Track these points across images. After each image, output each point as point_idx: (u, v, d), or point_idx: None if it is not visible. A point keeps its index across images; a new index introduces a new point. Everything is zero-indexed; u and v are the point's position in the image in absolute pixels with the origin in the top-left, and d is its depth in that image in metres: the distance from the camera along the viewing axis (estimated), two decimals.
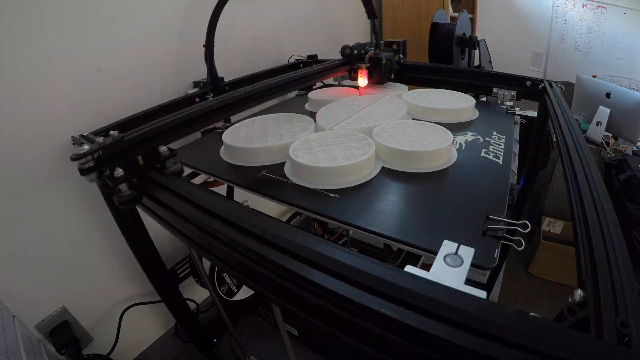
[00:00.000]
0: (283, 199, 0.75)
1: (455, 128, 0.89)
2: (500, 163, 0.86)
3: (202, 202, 0.57)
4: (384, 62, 1.34)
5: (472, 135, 1.01)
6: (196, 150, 1.09)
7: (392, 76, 1.42)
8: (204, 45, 1.21)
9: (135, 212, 0.99)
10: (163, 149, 0.74)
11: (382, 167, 0.85)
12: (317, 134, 0.93)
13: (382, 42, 1.47)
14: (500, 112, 1.23)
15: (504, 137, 1.01)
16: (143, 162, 0.73)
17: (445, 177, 0.81)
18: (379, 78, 1.37)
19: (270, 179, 0.83)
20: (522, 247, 0.54)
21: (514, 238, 0.56)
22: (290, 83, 1.17)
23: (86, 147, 0.65)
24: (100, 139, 0.68)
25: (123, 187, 0.68)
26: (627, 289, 0.35)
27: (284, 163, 0.89)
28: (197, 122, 0.91)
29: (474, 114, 1.16)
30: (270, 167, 0.88)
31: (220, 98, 0.97)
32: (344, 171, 0.78)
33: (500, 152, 0.92)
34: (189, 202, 0.59)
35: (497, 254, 0.53)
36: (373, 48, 1.36)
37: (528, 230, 0.55)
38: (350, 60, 1.38)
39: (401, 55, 1.50)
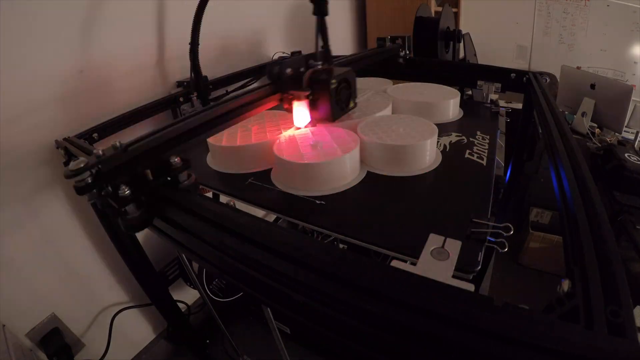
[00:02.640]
0: (269, 207, 0.75)
1: (440, 129, 0.89)
2: (484, 164, 0.87)
3: (222, 220, 0.48)
4: (333, 85, 0.84)
5: (456, 135, 1.01)
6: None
7: (352, 105, 0.96)
8: (189, 44, 1.20)
9: None
10: (175, 159, 0.60)
11: (368, 172, 0.85)
12: (302, 131, 0.92)
13: (385, 37, 1.33)
14: (485, 111, 1.23)
15: (488, 137, 1.01)
16: (153, 176, 0.59)
17: (430, 181, 0.82)
18: (325, 111, 0.88)
19: (257, 186, 0.83)
20: (506, 249, 0.54)
21: (497, 240, 0.56)
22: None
23: (82, 161, 0.51)
24: (98, 151, 0.54)
25: (131, 208, 0.55)
26: (616, 277, 0.35)
27: (270, 170, 0.89)
28: (211, 126, 0.76)
29: (459, 114, 1.17)
30: (257, 174, 0.87)
31: (230, 99, 0.80)
32: (329, 170, 0.77)
33: (484, 152, 0.92)
34: (208, 221, 0.49)
35: (480, 257, 0.53)
36: (319, 62, 0.90)
37: (511, 233, 0.55)
38: (279, 86, 0.86)
39: (407, 51, 1.41)
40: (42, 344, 1.11)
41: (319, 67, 0.88)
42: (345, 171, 0.80)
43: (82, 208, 1.12)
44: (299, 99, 0.86)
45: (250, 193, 0.80)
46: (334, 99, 0.86)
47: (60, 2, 0.98)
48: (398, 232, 0.64)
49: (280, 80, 0.84)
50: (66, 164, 0.93)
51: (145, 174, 0.58)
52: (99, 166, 0.52)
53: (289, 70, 0.84)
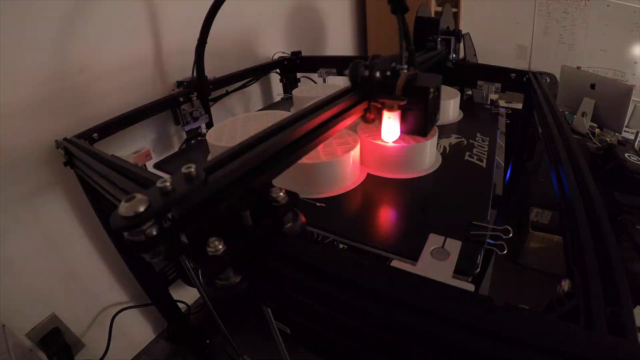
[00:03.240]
0: None
1: (440, 131, 0.89)
2: (484, 166, 0.87)
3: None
4: (431, 94, 0.70)
5: (456, 137, 1.02)
6: (182, 158, 1.08)
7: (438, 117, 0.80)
8: (197, 43, 1.20)
9: None
10: (279, 193, 0.42)
11: (368, 174, 0.85)
12: None
13: (435, 38, 1.22)
14: (485, 112, 1.23)
15: (488, 139, 1.01)
16: (252, 220, 0.40)
17: (430, 183, 0.82)
18: (419, 125, 0.73)
19: None
20: (505, 252, 0.54)
21: (496, 242, 0.56)
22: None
23: (140, 200, 0.30)
24: (164, 182, 0.32)
25: (229, 273, 0.36)
26: (617, 277, 0.35)
27: None
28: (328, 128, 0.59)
29: (459, 116, 1.17)
30: None
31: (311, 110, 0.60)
32: (329, 170, 0.77)
33: (484, 154, 0.93)
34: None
35: (479, 259, 0.53)
36: (405, 66, 0.72)
37: (510, 235, 0.56)
38: (367, 93, 0.71)
39: (454, 55, 1.28)
40: (42, 344, 1.11)
41: (406, 72, 0.71)
42: (346, 171, 0.80)
43: (82, 208, 1.12)
44: (390, 109, 0.71)
45: None
46: (431, 110, 0.72)
47: (60, 1, 0.98)
48: (398, 235, 0.64)
49: (369, 85, 0.68)
50: (66, 164, 0.93)
51: (240, 218, 0.39)
52: (173, 209, 0.33)
53: (378, 74, 0.68)
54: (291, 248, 0.37)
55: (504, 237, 0.56)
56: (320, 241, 0.76)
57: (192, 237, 0.34)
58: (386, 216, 0.70)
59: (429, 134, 0.76)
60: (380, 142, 0.83)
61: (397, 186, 0.81)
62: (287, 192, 0.43)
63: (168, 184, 0.32)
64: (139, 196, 0.30)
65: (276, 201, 0.41)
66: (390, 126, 0.74)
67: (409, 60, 0.73)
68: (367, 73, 0.67)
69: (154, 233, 0.31)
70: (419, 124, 0.72)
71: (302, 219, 0.43)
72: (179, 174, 0.34)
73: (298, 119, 0.55)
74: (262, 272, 0.37)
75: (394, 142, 0.83)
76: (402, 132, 0.75)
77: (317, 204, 0.74)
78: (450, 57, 1.33)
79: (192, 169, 0.34)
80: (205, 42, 1.21)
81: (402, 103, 0.69)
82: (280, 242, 0.38)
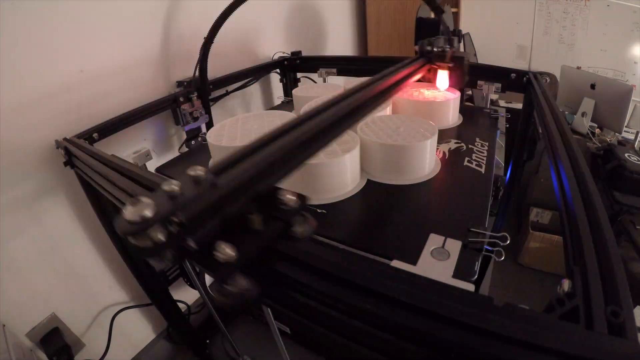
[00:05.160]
0: None
1: (439, 135, 0.90)
2: (483, 172, 0.87)
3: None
4: (466, 60, 1.14)
5: (455, 142, 1.02)
6: (183, 163, 1.08)
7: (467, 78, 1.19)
8: (203, 43, 1.20)
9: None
10: (287, 196, 0.40)
11: (368, 180, 0.85)
12: None
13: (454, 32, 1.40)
14: (484, 116, 1.23)
15: (487, 143, 1.01)
16: (263, 223, 0.38)
17: (429, 189, 0.82)
18: (459, 80, 1.16)
19: None
20: (502, 258, 0.54)
21: (494, 249, 0.56)
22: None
23: (146, 204, 0.30)
24: (170, 185, 0.32)
25: (238, 279, 0.34)
26: (617, 277, 0.35)
27: None
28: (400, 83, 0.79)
29: (458, 120, 1.17)
30: None
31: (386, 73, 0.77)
32: (330, 170, 0.77)
33: (483, 160, 0.93)
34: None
35: (477, 266, 0.54)
36: (447, 45, 1.15)
37: (507, 242, 0.56)
38: (430, 59, 1.15)
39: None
40: (42, 343, 1.11)
41: (450, 49, 1.12)
42: (347, 172, 0.79)
43: (82, 208, 1.12)
44: (443, 68, 1.14)
45: None
46: (465, 70, 1.13)
47: (60, 1, 0.98)
48: (398, 242, 0.64)
49: (431, 54, 1.12)
50: (66, 164, 0.93)
51: (249, 222, 0.38)
52: (180, 213, 0.31)
53: (436, 49, 1.12)
54: (302, 252, 0.36)
55: (501, 243, 0.56)
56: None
57: (201, 242, 0.33)
58: (386, 223, 0.70)
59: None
60: (381, 142, 0.83)
61: (397, 193, 0.81)
62: (298, 194, 0.40)
63: (175, 186, 0.31)
64: (144, 200, 0.30)
65: (285, 204, 0.39)
66: (443, 78, 1.15)
67: (450, 42, 1.13)
68: (429, 48, 1.12)
69: (161, 238, 0.29)
70: (459, 79, 1.14)
71: (312, 222, 0.40)
72: (186, 176, 0.34)
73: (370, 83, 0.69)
74: (272, 277, 0.36)
75: (395, 141, 0.83)
76: (450, 85, 1.16)
77: (318, 210, 0.74)
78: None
79: (201, 172, 0.33)
80: (212, 42, 1.21)
81: (450, 65, 1.12)
82: (291, 246, 0.37)
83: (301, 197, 0.40)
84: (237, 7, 1.15)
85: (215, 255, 0.32)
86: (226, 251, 0.32)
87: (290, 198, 0.39)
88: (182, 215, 0.30)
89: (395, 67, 0.88)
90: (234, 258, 0.32)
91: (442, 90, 1.21)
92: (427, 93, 1.24)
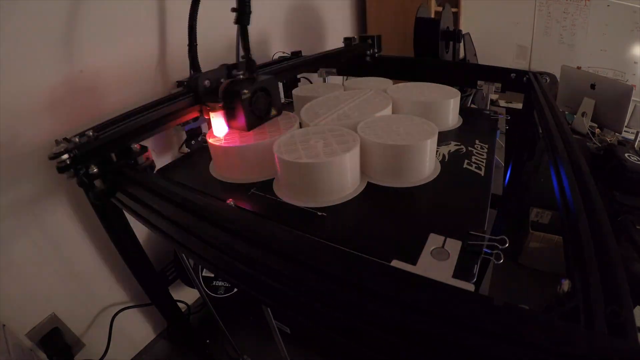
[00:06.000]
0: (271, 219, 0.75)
1: (439, 138, 0.90)
2: (482, 175, 0.87)
3: (175, 197, 0.60)
4: (244, 95, 0.85)
5: (455, 145, 1.02)
6: (184, 164, 1.08)
7: (275, 112, 0.97)
8: (188, 43, 1.20)
9: (120, 213, 0.97)
10: (135, 146, 0.81)
11: (368, 183, 0.85)
12: (301, 131, 0.92)
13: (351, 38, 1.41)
14: (484, 118, 1.23)
15: (487, 145, 1.01)
16: (116, 159, 0.78)
17: (429, 192, 0.82)
18: (240, 121, 0.89)
19: (259, 197, 0.83)
20: (501, 261, 0.54)
21: (493, 252, 0.56)
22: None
23: (62, 146, 0.71)
24: (76, 139, 0.74)
25: (98, 183, 0.74)
26: (617, 277, 0.35)
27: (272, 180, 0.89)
28: (168, 119, 0.94)
29: (458, 122, 1.17)
30: (260, 184, 0.88)
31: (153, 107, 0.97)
32: (330, 170, 0.77)
33: (483, 162, 0.93)
34: (161, 196, 0.63)
35: (476, 270, 0.54)
36: (240, 71, 0.91)
37: (506, 246, 0.56)
38: (199, 97, 0.93)
39: (376, 50, 1.47)
40: (42, 343, 1.11)
41: (240, 77, 0.89)
42: (346, 172, 0.79)
43: (82, 208, 1.12)
44: (214, 110, 0.90)
45: (252, 204, 0.81)
46: (249, 109, 0.87)
47: (60, 1, 0.98)
48: (398, 245, 0.64)
49: (197, 91, 0.92)
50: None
51: (110, 157, 0.77)
52: (75, 151, 0.71)
53: (206, 82, 0.92)
54: (137, 175, 0.75)
55: (500, 247, 0.56)
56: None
57: (85, 166, 0.73)
58: (386, 226, 0.70)
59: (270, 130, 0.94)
60: (381, 142, 0.83)
61: (397, 195, 0.81)
62: (141, 145, 0.79)
63: (77, 139, 0.73)
64: (62, 144, 0.71)
65: (133, 149, 0.80)
66: (217, 123, 0.92)
67: (247, 67, 0.90)
68: (194, 82, 0.93)
69: (67, 162, 0.70)
70: (240, 121, 0.88)
71: (151, 161, 0.82)
72: (84, 135, 0.76)
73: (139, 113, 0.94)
74: (117, 181, 0.75)
75: (395, 142, 0.83)
76: (230, 127, 0.91)
77: (319, 213, 0.74)
78: (371, 52, 1.46)
79: (91, 133, 0.77)
80: (195, 43, 1.20)
81: (221, 105, 0.88)
82: (131, 171, 0.77)
83: (143, 147, 0.81)
84: (198, 7, 1.14)
85: (89, 171, 0.73)
86: (93, 168, 0.73)
87: (135, 147, 0.81)
88: (76, 150, 0.72)
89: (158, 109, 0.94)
90: (97, 173, 0.74)
91: (220, 137, 0.93)
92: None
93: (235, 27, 0.88)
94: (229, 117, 0.90)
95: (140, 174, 0.76)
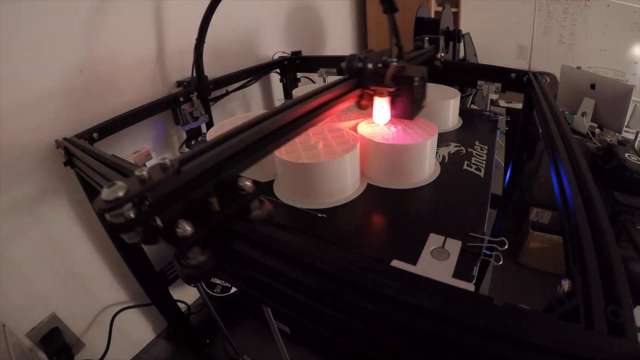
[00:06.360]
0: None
1: (439, 139, 0.90)
2: (482, 176, 0.87)
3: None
4: (416, 82, 0.79)
5: (455, 146, 1.02)
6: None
7: (423, 103, 0.88)
8: (195, 42, 1.20)
9: None
10: (246, 182, 0.45)
11: (368, 184, 0.86)
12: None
13: (422, 37, 1.27)
14: (484, 120, 1.23)
15: (486, 147, 1.02)
16: (219, 205, 0.43)
17: (429, 194, 0.83)
18: (406, 109, 0.82)
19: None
20: (500, 262, 0.54)
21: (493, 253, 0.57)
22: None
23: (120, 187, 0.35)
24: (141, 172, 0.37)
25: (194, 252, 0.40)
26: (617, 277, 0.34)
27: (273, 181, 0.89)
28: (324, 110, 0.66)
29: (458, 123, 1.17)
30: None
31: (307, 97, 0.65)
32: (330, 170, 0.77)
33: (482, 163, 0.93)
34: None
35: (475, 271, 0.54)
36: (394, 59, 0.81)
37: (506, 247, 0.56)
38: (360, 81, 0.80)
39: (442, 54, 1.33)
40: (42, 343, 1.11)
41: (395, 64, 0.80)
42: (346, 172, 0.79)
43: (82, 208, 1.12)
44: (381, 95, 0.82)
45: None
46: (415, 96, 0.82)
47: (60, 1, 0.98)
48: (398, 246, 0.64)
49: (362, 75, 0.79)
50: (66, 163, 0.93)
51: (209, 204, 0.43)
52: (147, 195, 0.36)
53: (370, 66, 0.79)
54: (256, 232, 0.40)
55: (500, 248, 0.56)
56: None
57: (165, 221, 0.38)
58: (386, 228, 0.71)
59: (415, 116, 0.84)
60: (381, 141, 0.83)
61: (397, 196, 0.81)
62: (254, 181, 0.46)
63: (145, 172, 0.37)
64: (119, 183, 0.35)
65: (243, 189, 0.44)
66: (381, 110, 0.83)
67: (398, 55, 0.83)
68: (360, 65, 0.77)
69: (132, 216, 0.35)
70: (406, 108, 0.82)
71: (268, 206, 0.46)
72: (156, 165, 0.39)
73: (286, 107, 0.59)
74: (228, 253, 0.41)
75: (395, 141, 0.83)
76: (392, 116, 0.84)
77: (319, 215, 0.74)
78: (439, 56, 1.33)
79: (167, 160, 0.39)
80: (204, 42, 1.20)
81: (391, 90, 0.79)
82: (246, 227, 0.41)
83: (256, 183, 0.45)
84: (216, 7, 1.13)
85: (176, 231, 0.38)
86: (185, 227, 0.38)
87: (247, 184, 0.45)
88: (150, 196, 0.36)
89: (312, 92, 0.66)
90: (190, 233, 0.38)
91: (380, 124, 0.92)
92: (363, 128, 0.94)
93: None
94: (394, 104, 0.84)
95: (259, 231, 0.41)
